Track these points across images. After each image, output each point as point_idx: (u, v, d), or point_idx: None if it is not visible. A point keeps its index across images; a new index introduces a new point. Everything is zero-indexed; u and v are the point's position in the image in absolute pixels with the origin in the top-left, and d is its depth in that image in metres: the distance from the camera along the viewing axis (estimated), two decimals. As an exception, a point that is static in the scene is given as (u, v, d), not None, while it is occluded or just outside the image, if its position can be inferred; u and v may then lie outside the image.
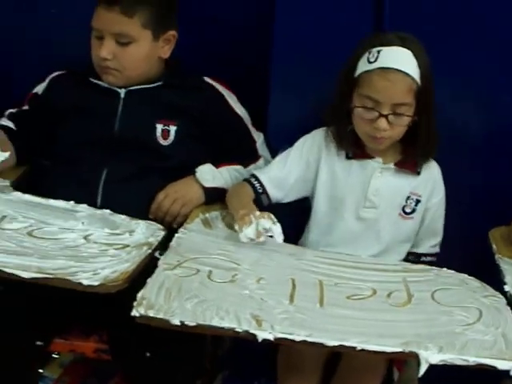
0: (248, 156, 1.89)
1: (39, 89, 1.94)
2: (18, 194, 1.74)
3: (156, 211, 1.79)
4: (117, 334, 1.66)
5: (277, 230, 1.58)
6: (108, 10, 1.74)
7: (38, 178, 1.88)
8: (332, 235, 1.77)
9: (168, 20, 1.85)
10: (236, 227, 1.61)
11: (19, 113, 1.94)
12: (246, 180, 1.80)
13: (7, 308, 1.64)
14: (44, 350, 1.70)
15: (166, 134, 1.83)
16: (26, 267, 1.41)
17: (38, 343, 1.66)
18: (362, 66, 1.66)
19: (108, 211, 1.70)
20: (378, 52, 1.64)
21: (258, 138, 1.94)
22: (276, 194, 1.79)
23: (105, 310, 1.61)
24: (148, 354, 1.59)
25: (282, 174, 1.78)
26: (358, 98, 1.67)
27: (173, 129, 1.84)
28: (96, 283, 1.38)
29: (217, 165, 1.85)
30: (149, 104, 1.84)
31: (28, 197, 1.73)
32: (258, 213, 1.60)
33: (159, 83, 1.86)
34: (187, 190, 1.80)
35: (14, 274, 1.39)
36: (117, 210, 1.69)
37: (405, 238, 1.78)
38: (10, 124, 1.91)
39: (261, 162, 1.91)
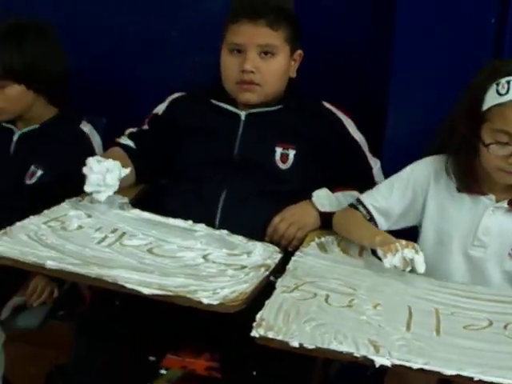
0: (364, 182, 1.88)
1: (159, 109, 2.00)
2: (137, 211, 1.79)
3: (272, 234, 1.81)
4: (228, 353, 1.68)
5: (419, 259, 1.56)
6: (253, 23, 1.80)
7: (156, 196, 1.92)
8: (438, 269, 1.71)
9: (298, 38, 1.89)
10: (379, 253, 1.59)
11: (139, 132, 2.00)
12: (352, 206, 1.78)
13: (123, 322, 1.68)
14: (155, 366, 1.73)
15: (284, 157, 1.85)
16: (147, 284, 1.44)
17: (151, 358, 1.70)
18: (492, 100, 1.59)
19: (226, 232, 1.72)
20: (508, 83, 1.57)
21: (375, 164, 1.94)
22: (383, 222, 1.76)
23: (217, 329, 1.63)
24: (255, 373, 1.60)
25: (388, 203, 1.76)
26: (489, 132, 1.59)
27: (292, 153, 1.86)
28: (215, 302, 1.40)
29: (332, 189, 1.85)
30: (269, 127, 1.87)
31: (147, 214, 1.78)
32: (404, 242, 1.57)
33: (280, 106, 1.88)
34: (303, 214, 1.81)
35: (135, 290, 1.42)
36: (233, 230, 1.72)
37: None
38: (130, 143, 1.98)
39: None
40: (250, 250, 1.65)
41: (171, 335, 1.73)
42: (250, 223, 1.79)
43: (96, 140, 2.08)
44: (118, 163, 1.74)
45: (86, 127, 2.09)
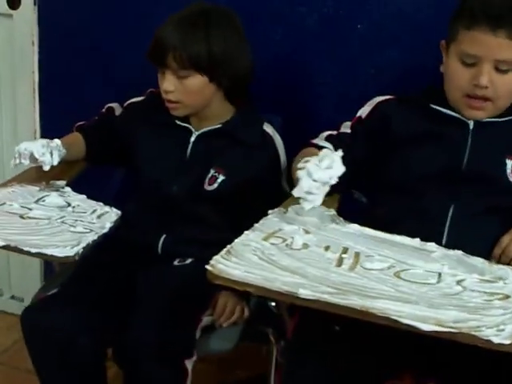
0: None
1: (363, 112, 1.82)
2: (355, 226, 1.62)
3: (500, 256, 1.63)
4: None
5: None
6: (493, 33, 1.57)
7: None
8: None
9: None
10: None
11: (341, 136, 1.83)
12: None
13: (343, 349, 1.53)
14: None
15: None
16: (420, 318, 1.26)
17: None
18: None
19: (460, 252, 1.54)
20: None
21: None
22: None
23: (441, 354, 1.49)
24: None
25: None
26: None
27: None
28: (507, 342, 1.22)
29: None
30: (498, 138, 1.69)
31: (369, 230, 1.60)
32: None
33: (509, 117, 1.70)
34: None
35: (412, 326, 1.24)
36: (460, 249, 1.54)
37: None
38: (329, 145, 1.79)
39: None
40: (499, 275, 1.47)
41: (391, 362, 1.57)
42: (477, 242, 1.62)
43: (278, 141, 1.91)
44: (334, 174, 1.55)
45: (268, 128, 1.91)
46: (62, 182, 1.87)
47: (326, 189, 1.53)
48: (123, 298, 1.77)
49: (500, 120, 1.69)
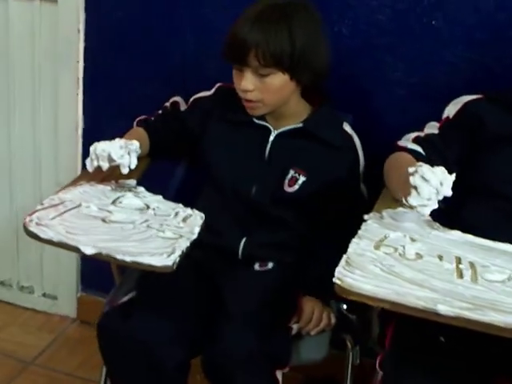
0: None
1: (450, 112, 1.76)
2: (458, 232, 1.57)
3: None
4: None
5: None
6: None
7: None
8: None
9: None
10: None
11: (430, 137, 1.76)
12: None
13: (447, 360, 1.49)
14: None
15: None
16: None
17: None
18: None
19: None
20: None
21: None
22: None
23: None
24: None
25: None
26: None
27: None
28: None
29: None
30: None
31: (471, 237, 1.55)
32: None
33: None
34: None
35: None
36: None
37: None
38: (418, 148, 1.73)
39: None
40: None
41: (491, 371, 1.53)
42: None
43: (358, 142, 1.84)
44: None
45: (347, 128, 1.85)
46: (133, 181, 1.79)
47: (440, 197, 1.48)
48: (208, 307, 1.69)
49: None
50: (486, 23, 1.90)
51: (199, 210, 1.73)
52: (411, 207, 1.49)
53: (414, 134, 1.77)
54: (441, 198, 1.47)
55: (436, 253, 1.47)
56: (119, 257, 1.46)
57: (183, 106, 1.93)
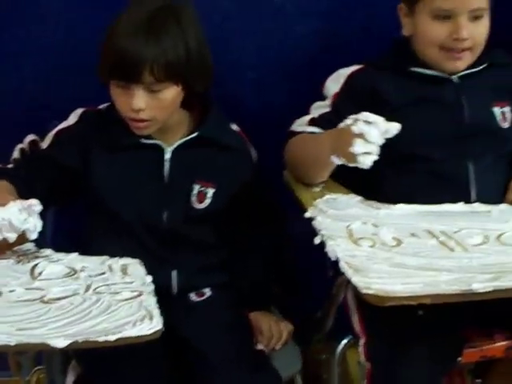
0: None
1: (333, 89, 1.72)
2: (400, 205, 1.56)
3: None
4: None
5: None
6: None
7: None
8: None
9: None
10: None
11: (325, 116, 1.70)
12: None
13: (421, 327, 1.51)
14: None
15: (504, 116, 1.72)
16: None
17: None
18: None
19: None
20: None
21: None
22: None
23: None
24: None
25: None
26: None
27: (507, 109, 1.72)
28: None
29: None
30: (482, 87, 1.71)
31: (418, 207, 1.56)
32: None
33: (485, 64, 1.72)
34: None
35: None
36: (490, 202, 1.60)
37: None
38: (317, 129, 1.67)
39: None
40: None
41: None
42: (493, 193, 1.67)
43: (244, 138, 1.74)
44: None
45: (234, 126, 1.73)
46: (31, 245, 1.52)
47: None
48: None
49: (476, 70, 1.72)
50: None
51: (104, 252, 1.53)
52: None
53: (307, 118, 1.70)
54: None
55: (407, 232, 1.46)
56: (101, 339, 1.24)
57: (45, 143, 1.66)
